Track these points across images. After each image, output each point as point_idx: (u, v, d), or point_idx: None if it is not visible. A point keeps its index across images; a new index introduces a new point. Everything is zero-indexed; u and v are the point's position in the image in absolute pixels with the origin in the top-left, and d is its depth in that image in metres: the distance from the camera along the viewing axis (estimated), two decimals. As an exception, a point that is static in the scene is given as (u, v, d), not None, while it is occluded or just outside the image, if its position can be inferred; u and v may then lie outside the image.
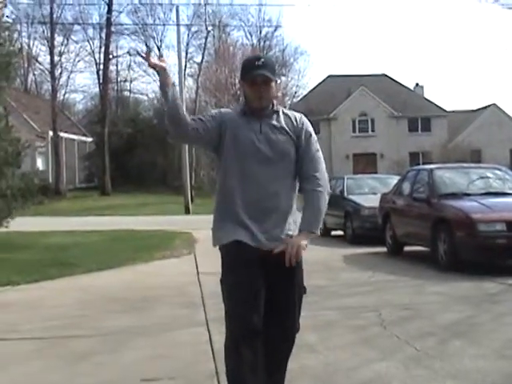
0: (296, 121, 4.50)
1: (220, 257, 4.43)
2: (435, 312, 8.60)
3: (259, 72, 4.32)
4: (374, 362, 6.21)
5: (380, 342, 7.06)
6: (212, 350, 6.60)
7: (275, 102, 4.48)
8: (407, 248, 15.30)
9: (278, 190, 4.33)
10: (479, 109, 65.81)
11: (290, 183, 4.41)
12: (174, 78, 61.21)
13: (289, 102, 64.11)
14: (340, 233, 20.04)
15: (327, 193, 4.43)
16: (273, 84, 4.40)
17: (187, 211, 36.82)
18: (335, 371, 5.96)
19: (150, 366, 6.28)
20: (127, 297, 10.29)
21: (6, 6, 12.64)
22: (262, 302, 4.24)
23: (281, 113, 4.48)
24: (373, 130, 62.58)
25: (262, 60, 4.37)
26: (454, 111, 65.46)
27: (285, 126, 4.43)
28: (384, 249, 15.83)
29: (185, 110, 4.38)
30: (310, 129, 4.55)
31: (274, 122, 4.41)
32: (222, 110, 4.57)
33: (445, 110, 64.09)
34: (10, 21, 22.78)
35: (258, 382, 4.19)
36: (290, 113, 4.56)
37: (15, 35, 23.08)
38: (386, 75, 67.73)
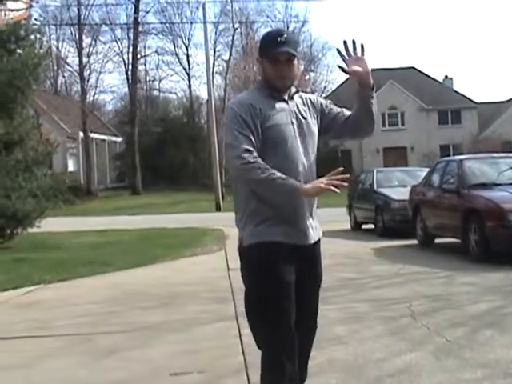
0: (316, 100, 4.27)
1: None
2: (466, 302, 8.56)
3: (283, 49, 3.93)
4: (404, 353, 6.17)
5: (410, 333, 7.03)
6: (241, 343, 6.58)
7: (296, 82, 4.15)
8: (438, 240, 15.21)
9: (310, 179, 4.03)
10: (509, 100, 65.16)
11: (315, 171, 4.18)
12: (202, 76, 61.35)
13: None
14: (371, 226, 19.95)
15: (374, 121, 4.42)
16: (295, 62, 4.03)
17: (218, 208, 36.86)
18: (364, 363, 5.93)
19: (179, 360, 6.29)
20: (157, 293, 10.32)
21: (31, 6, 12.74)
22: (293, 297, 4.02)
23: (300, 93, 4.21)
24: (403, 124, 62.31)
25: (285, 36, 3.97)
26: (483, 103, 64.96)
27: (309, 106, 4.17)
28: (415, 241, 15.75)
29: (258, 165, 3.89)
30: (328, 101, 4.38)
31: (299, 103, 4.14)
32: (245, 101, 4.05)
33: (474, 102, 63.65)
34: (38, 23, 22.87)
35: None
36: (308, 94, 4.31)
37: (44, 38, 23.28)
38: (415, 68, 67.38)
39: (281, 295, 3.95)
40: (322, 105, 4.25)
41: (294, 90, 4.19)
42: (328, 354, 6.21)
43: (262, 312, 4.01)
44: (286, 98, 4.08)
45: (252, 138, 3.92)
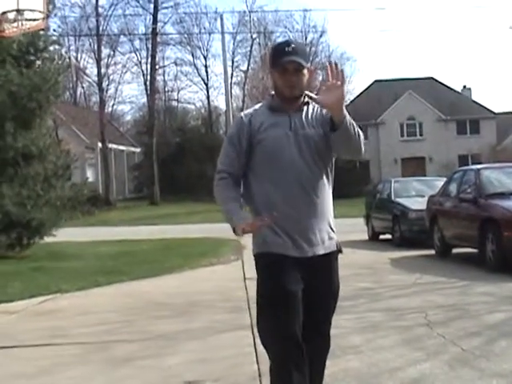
0: (319, 110, 4.18)
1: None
2: (482, 312, 8.52)
3: (290, 59, 3.99)
4: (419, 363, 6.15)
5: (425, 342, 7.00)
6: (256, 352, 6.57)
7: (307, 91, 4.18)
8: (456, 250, 15.15)
9: (315, 190, 4.10)
10: (529, 110, 64.99)
11: (326, 183, 4.18)
12: (221, 86, 61.55)
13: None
14: (388, 237, 19.91)
15: (362, 141, 4.09)
16: (305, 71, 4.06)
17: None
18: (379, 372, 5.91)
19: (193, 368, 6.29)
20: (173, 302, 10.34)
21: (48, 16, 12.81)
22: (301, 310, 4.05)
23: (311, 104, 4.20)
24: (421, 134, 62.18)
25: (293, 45, 4.04)
26: (502, 113, 64.80)
27: (317, 117, 4.15)
28: (432, 251, 15.69)
29: (229, 190, 4.21)
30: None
31: (304, 116, 4.14)
32: (244, 116, 4.25)
33: (493, 112, 63.47)
34: (57, 34, 23.01)
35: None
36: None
37: (63, 50, 23.46)
38: (433, 78, 67.28)
39: (284, 304, 3.99)
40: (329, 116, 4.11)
41: (306, 99, 4.20)
42: (343, 363, 6.21)
43: (266, 320, 4.07)
44: (294, 108, 4.08)
45: (234, 155, 4.19)
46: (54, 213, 17.70)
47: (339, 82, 3.78)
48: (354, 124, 3.98)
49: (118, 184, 60.44)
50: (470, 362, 6.11)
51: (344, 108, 3.86)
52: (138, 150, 66.14)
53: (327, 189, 4.20)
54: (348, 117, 3.91)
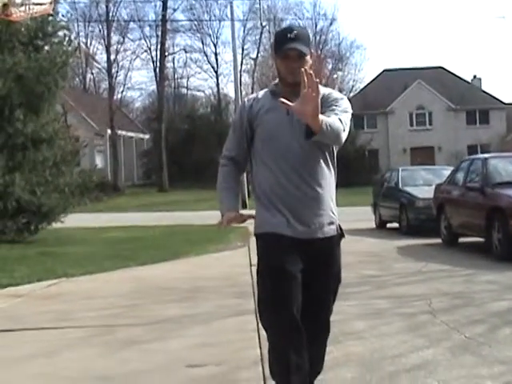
0: (326, 96, 4.16)
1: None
2: (487, 300, 8.52)
3: (292, 45, 4.02)
4: (421, 349, 6.16)
5: (429, 329, 7.01)
6: (259, 337, 6.59)
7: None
8: (463, 239, 15.14)
9: (311, 175, 4.13)
10: (539, 100, 64.75)
11: (324, 168, 4.19)
12: (230, 74, 61.53)
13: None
14: (395, 225, 19.90)
15: (343, 134, 3.99)
16: (307, 57, 4.08)
17: (244, 206, 36.85)
18: (381, 358, 5.92)
19: (196, 352, 6.32)
20: (178, 287, 10.38)
21: (56, 1, 12.79)
22: (300, 292, 4.08)
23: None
24: (430, 124, 62.10)
25: (295, 32, 4.06)
26: (512, 103, 64.57)
27: (325, 102, 4.11)
28: (439, 240, 15.69)
29: (228, 177, 4.38)
30: (338, 97, 4.22)
31: None
32: (247, 100, 4.35)
33: (503, 103, 63.30)
34: (66, 19, 23.00)
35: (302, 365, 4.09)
36: (324, 90, 4.20)
37: (72, 35, 23.46)
38: (443, 68, 67.08)
39: (281, 285, 4.03)
40: (326, 101, 4.13)
41: None
42: (345, 348, 6.23)
43: (265, 301, 4.13)
44: (295, 93, 3.97)
45: (238, 138, 4.32)
46: (62, 199, 17.75)
47: (314, 94, 3.70)
48: (331, 123, 3.89)
49: (126, 170, 60.54)
50: (472, 349, 6.12)
51: (319, 117, 3.76)
52: (146, 136, 66.19)
53: (326, 173, 4.21)
54: (325, 120, 3.84)
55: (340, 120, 3.98)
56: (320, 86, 3.95)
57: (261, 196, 4.21)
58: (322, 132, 3.81)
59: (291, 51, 4.05)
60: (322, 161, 4.18)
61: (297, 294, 4.05)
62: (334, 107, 4.11)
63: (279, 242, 4.08)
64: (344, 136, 4.03)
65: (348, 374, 5.46)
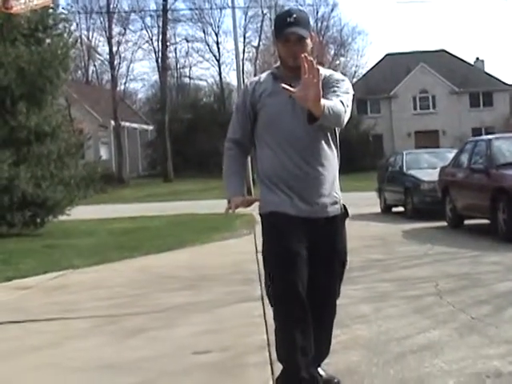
0: (327, 77, 4.21)
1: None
2: (492, 281, 8.52)
3: (292, 30, 4.06)
4: (428, 331, 6.17)
5: (435, 310, 7.02)
6: (265, 322, 6.59)
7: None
8: (468, 221, 15.11)
9: (314, 156, 4.16)
10: (543, 81, 64.52)
11: (327, 149, 4.22)
12: (232, 62, 61.50)
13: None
14: (401, 209, 19.88)
15: (344, 116, 4.00)
16: (307, 40, 4.13)
17: (249, 193, 36.87)
18: (387, 340, 5.92)
19: (202, 339, 6.32)
20: (184, 275, 10.39)
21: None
22: (305, 269, 4.11)
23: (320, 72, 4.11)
24: (434, 107, 61.96)
25: (294, 16, 4.10)
26: (516, 85, 64.34)
27: (326, 83, 4.13)
28: (444, 223, 15.67)
29: (235, 160, 4.44)
30: (339, 78, 4.25)
31: None
32: (249, 84, 4.38)
33: (507, 84, 63.07)
34: (66, 12, 22.99)
35: (308, 344, 4.10)
36: (325, 71, 4.26)
37: (72, 27, 23.44)
38: (445, 51, 66.84)
39: (286, 264, 4.06)
40: (328, 82, 4.16)
41: None
42: (351, 332, 6.24)
43: (269, 279, 4.18)
44: (296, 76, 3.96)
45: (241, 121, 4.36)
46: (68, 192, 17.75)
47: (315, 80, 3.69)
48: (332, 107, 3.89)
49: (131, 162, 60.58)
50: (478, 330, 6.12)
51: (321, 101, 3.75)
52: (150, 127, 66.18)
53: (329, 154, 4.24)
54: (327, 104, 3.83)
55: (341, 102, 4.00)
56: (321, 68, 4.02)
57: (264, 178, 4.27)
58: (324, 116, 3.82)
59: (291, 35, 4.09)
60: (324, 142, 4.22)
61: (302, 270, 4.08)
62: (335, 88, 4.14)
63: (282, 220, 4.13)
64: (346, 117, 4.04)
65: (354, 357, 5.46)
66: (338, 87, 4.15)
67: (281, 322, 4.11)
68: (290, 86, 3.94)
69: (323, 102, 3.78)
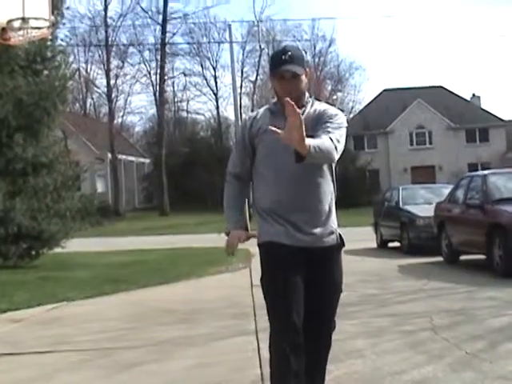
0: (322, 112, 4.29)
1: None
2: (488, 316, 8.47)
3: (286, 67, 4.17)
4: (422, 366, 6.12)
5: (429, 346, 6.98)
6: (259, 356, 6.56)
7: (307, 93, 4.34)
8: (464, 257, 15.08)
9: (306, 189, 4.22)
10: (539, 117, 64.77)
11: (322, 180, 4.28)
12: (230, 97, 61.69)
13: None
14: (397, 244, 19.86)
15: (335, 152, 4.02)
16: (302, 77, 4.25)
17: (245, 229, 36.87)
18: (382, 375, 5.88)
19: (196, 373, 6.29)
20: (179, 309, 10.34)
21: (54, 25, 12.85)
22: (301, 298, 4.18)
23: (309, 106, 4.32)
24: (430, 143, 62.19)
25: (289, 53, 4.20)
26: (512, 121, 64.63)
27: (310, 120, 4.20)
28: (440, 258, 15.64)
29: (235, 192, 4.54)
30: (332, 113, 4.27)
31: (305, 118, 4.09)
32: (248, 118, 4.49)
33: (503, 120, 63.39)
34: (64, 44, 23.11)
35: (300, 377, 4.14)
36: (320, 106, 4.35)
37: (70, 59, 23.55)
38: (442, 87, 67.23)
39: (281, 293, 4.14)
40: (321, 118, 4.25)
41: (306, 100, 4.34)
42: (346, 367, 6.19)
43: (268, 307, 4.25)
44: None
45: (240, 156, 4.46)
46: (63, 224, 17.71)
47: (298, 122, 3.72)
48: (319, 145, 3.93)
49: (127, 195, 60.59)
50: (473, 365, 6.07)
51: (305, 142, 3.79)
52: (147, 160, 66.27)
53: (324, 185, 4.30)
54: (312, 144, 3.86)
55: (331, 138, 4.04)
56: (317, 102, 4.25)
57: (260, 210, 4.36)
58: (311, 155, 3.86)
59: (286, 73, 4.20)
60: (319, 176, 4.28)
61: (296, 299, 4.15)
62: (327, 124, 4.19)
63: (278, 250, 4.21)
64: (336, 153, 4.08)
65: (348, 392, 5.42)
66: (330, 123, 4.20)
67: (277, 347, 4.16)
68: (284, 120, 3.98)
69: (309, 141, 3.82)
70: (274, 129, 3.86)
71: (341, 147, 4.12)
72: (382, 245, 21.22)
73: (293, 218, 4.21)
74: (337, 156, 4.09)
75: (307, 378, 4.34)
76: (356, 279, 12.22)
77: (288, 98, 3.79)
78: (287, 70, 4.18)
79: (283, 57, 4.20)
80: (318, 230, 4.25)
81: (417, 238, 18.13)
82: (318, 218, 4.26)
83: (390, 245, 20.86)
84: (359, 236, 20.90)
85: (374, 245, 21.54)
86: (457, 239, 14.77)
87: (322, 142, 3.97)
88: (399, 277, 13.42)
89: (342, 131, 4.19)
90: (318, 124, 4.16)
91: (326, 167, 4.31)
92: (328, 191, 4.33)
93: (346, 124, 4.29)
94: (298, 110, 3.73)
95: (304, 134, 3.75)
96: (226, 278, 14.60)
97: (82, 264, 17.78)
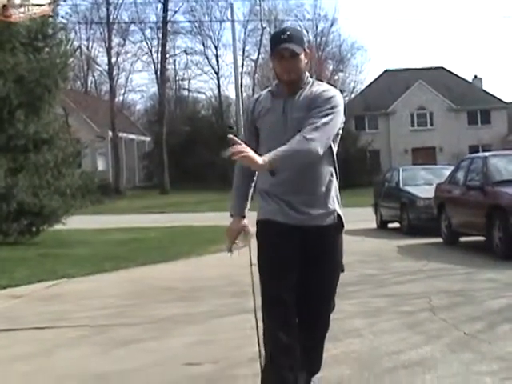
0: (311, 94, 4.28)
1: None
2: (486, 298, 8.48)
3: (285, 46, 4.19)
4: (420, 346, 6.13)
5: (428, 326, 6.99)
6: (257, 335, 6.56)
7: (307, 73, 4.36)
8: (464, 238, 15.09)
9: (302, 173, 4.22)
10: (541, 99, 64.63)
11: (317, 165, 4.25)
12: (231, 75, 61.63)
13: (346, 98, 63.97)
14: (397, 225, 19.88)
15: (315, 148, 4.03)
16: (301, 56, 4.26)
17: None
18: (379, 355, 5.89)
19: (194, 351, 6.31)
20: (178, 287, 10.36)
21: (55, 1, 12.80)
22: (293, 275, 4.23)
23: (308, 87, 4.33)
24: (431, 124, 62.11)
25: (288, 33, 4.24)
26: (514, 102, 64.49)
27: (305, 101, 4.25)
28: (440, 239, 15.64)
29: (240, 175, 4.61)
30: (325, 98, 4.24)
31: (297, 99, 4.28)
32: (250, 102, 4.60)
33: (504, 102, 63.23)
34: (65, 21, 23.00)
35: (292, 357, 4.17)
36: (319, 87, 4.35)
37: (71, 35, 23.47)
38: (444, 68, 67.08)
39: (271, 269, 4.25)
40: (316, 101, 4.23)
41: (306, 81, 4.35)
42: (344, 346, 6.21)
43: (261, 284, 4.34)
44: (290, 92, 4.27)
45: (247, 137, 4.45)
46: (64, 201, 17.73)
47: (243, 154, 3.84)
48: (284, 155, 3.98)
49: (128, 173, 60.57)
50: (471, 346, 6.08)
51: (262, 161, 3.91)
52: (148, 138, 66.22)
53: (321, 170, 4.31)
54: (274, 158, 3.94)
55: (305, 137, 4.00)
56: (317, 83, 4.36)
57: (260, 189, 4.43)
58: (278, 168, 4.03)
59: (284, 51, 4.22)
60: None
61: (287, 277, 4.21)
62: (317, 110, 4.17)
63: (272, 228, 4.27)
64: (315, 145, 4.03)
65: (346, 370, 5.44)
66: (320, 107, 4.18)
67: (266, 322, 4.25)
68: (286, 101, 4.22)
69: (269, 158, 3.91)
70: (233, 139, 3.94)
71: (329, 133, 4.13)
72: (382, 225, 21.23)
73: (289, 199, 4.25)
74: (318, 145, 4.04)
75: (305, 357, 4.38)
76: (355, 259, 12.22)
77: (231, 136, 3.92)
78: (286, 48, 4.20)
79: (282, 36, 4.23)
80: (313, 210, 4.28)
81: (417, 218, 18.14)
82: (314, 199, 4.29)
83: (390, 225, 20.87)
84: (359, 216, 20.90)
85: (374, 225, 21.55)
86: (457, 221, 14.77)
87: (284, 149, 3.98)
88: (398, 257, 13.44)
89: (333, 116, 4.17)
90: (310, 107, 4.20)
91: (326, 151, 4.25)
92: (326, 173, 4.34)
93: (340, 106, 4.26)
94: (234, 148, 3.84)
95: (252, 158, 3.87)
96: (226, 257, 14.52)
97: (82, 241, 17.83)
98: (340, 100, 4.30)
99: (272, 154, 3.94)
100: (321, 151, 4.07)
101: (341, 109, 4.26)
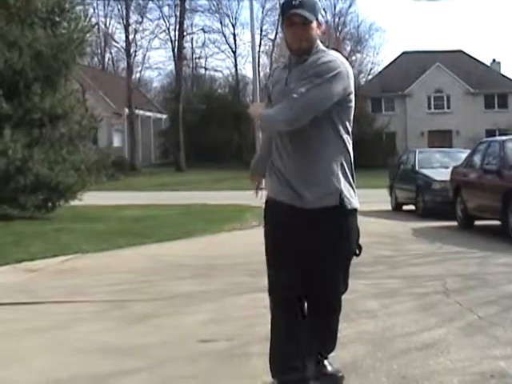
0: (312, 63, 4.12)
1: None
2: (501, 282, 8.47)
3: (295, 11, 4.03)
4: (433, 328, 6.14)
5: (442, 309, 6.99)
6: (271, 313, 6.60)
7: (319, 43, 4.18)
8: (479, 222, 15.04)
9: (307, 144, 4.13)
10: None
11: (325, 136, 4.14)
12: (249, 54, 61.46)
13: (363, 79, 63.73)
14: (412, 207, 19.83)
15: (283, 118, 4.02)
16: (313, 24, 4.09)
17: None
18: (393, 336, 5.90)
19: (208, 328, 6.35)
20: (193, 264, 10.41)
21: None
22: (293, 255, 4.19)
23: (314, 56, 4.15)
24: (448, 107, 61.75)
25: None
26: (532, 87, 63.99)
27: (309, 70, 4.09)
28: (455, 223, 15.60)
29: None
30: (318, 64, 4.09)
31: (302, 68, 4.12)
32: (270, 73, 4.78)
33: (522, 86, 62.76)
34: (84, -4, 22.93)
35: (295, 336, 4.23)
36: (323, 56, 4.14)
37: (89, 11, 23.44)
38: (462, 51, 66.58)
39: (272, 248, 4.29)
40: (307, 71, 4.11)
41: (314, 51, 4.18)
42: (357, 326, 6.22)
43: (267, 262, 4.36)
44: (297, 63, 4.19)
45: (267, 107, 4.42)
46: (80, 176, 17.79)
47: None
48: (266, 116, 4.24)
49: (144, 150, 60.59)
50: (485, 330, 6.08)
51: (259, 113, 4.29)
52: (164, 116, 66.14)
53: (327, 141, 4.17)
54: (262, 113, 4.28)
55: (282, 106, 4.05)
56: (324, 52, 4.19)
57: (271, 164, 4.39)
58: (261, 124, 4.41)
59: (295, 17, 4.07)
60: (321, 130, 4.14)
61: (288, 256, 4.20)
62: (301, 85, 4.04)
63: (275, 207, 4.27)
64: (282, 118, 4.04)
65: (360, 351, 5.45)
66: (310, 77, 4.03)
67: (271, 308, 4.33)
68: (290, 72, 4.23)
69: (262, 112, 4.26)
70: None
71: (307, 103, 3.97)
72: (397, 208, 21.18)
73: (289, 175, 4.20)
74: (285, 115, 4.01)
75: (316, 340, 4.38)
76: (370, 240, 12.15)
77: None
78: (296, 14, 4.04)
79: (293, 2, 4.06)
80: (314, 190, 4.15)
81: (432, 201, 18.06)
82: (315, 176, 4.15)
83: (405, 208, 20.82)
84: (374, 198, 20.87)
85: (389, 207, 21.51)
86: (472, 204, 14.71)
87: (267, 112, 4.23)
88: (413, 239, 13.43)
89: (313, 86, 3.99)
90: (302, 76, 4.08)
91: (337, 121, 4.17)
92: (334, 147, 4.18)
93: (332, 73, 4.03)
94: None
95: (258, 109, 4.31)
96: (241, 235, 14.65)
97: (97, 217, 17.89)
98: (334, 67, 4.08)
99: (264, 111, 4.17)
100: (291, 122, 4.01)
101: (334, 76, 4.04)
